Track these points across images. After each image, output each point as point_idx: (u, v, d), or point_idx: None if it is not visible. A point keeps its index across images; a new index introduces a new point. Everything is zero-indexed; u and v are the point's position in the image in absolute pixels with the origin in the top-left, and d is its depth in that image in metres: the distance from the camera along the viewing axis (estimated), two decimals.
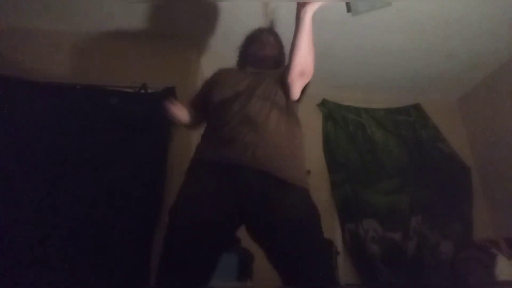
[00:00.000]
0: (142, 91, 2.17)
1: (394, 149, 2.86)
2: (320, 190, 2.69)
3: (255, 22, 1.80)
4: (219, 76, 1.44)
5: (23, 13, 2.23)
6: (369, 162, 2.78)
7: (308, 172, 2.66)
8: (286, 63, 1.33)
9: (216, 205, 1.08)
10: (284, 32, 1.48)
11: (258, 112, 1.18)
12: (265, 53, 1.42)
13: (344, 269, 2.42)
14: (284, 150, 1.16)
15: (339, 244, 2.50)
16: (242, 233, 1.23)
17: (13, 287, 1.61)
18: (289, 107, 1.24)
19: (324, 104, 2.99)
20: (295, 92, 1.20)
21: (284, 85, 1.21)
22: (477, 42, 2.44)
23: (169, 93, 2.13)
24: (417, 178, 2.72)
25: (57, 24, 2.31)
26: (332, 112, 2.95)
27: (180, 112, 1.40)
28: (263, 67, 1.40)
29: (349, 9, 2.13)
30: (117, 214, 1.81)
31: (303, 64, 1.15)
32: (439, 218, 2.57)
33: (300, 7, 1.08)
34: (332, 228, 2.59)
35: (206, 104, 1.37)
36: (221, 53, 2.49)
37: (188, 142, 2.26)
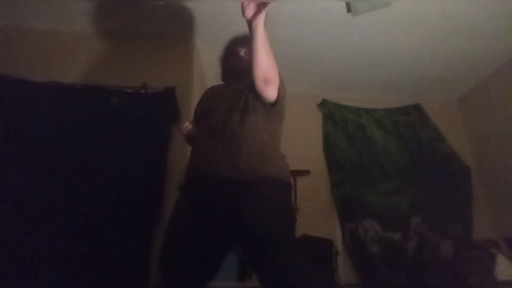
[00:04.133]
0: (142, 91, 2.17)
1: (394, 149, 2.86)
2: (320, 190, 2.70)
3: None
4: (205, 94, 1.52)
5: (23, 13, 2.23)
6: (369, 162, 2.78)
7: (308, 172, 2.68)
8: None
9: (199, 222, 1.13)
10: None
11: (227, 123, 1.24)
12: (242, 65, 1.42)
13: (344, 269, 2.43)
14: (256, 155, 1.20)
15: (339, 244, 2.50)
16: None
17: (13, 287, 1.62)
18: (262, 112, 1.27)
19: (324, 104, 2.99)
20: (268, 98, 1.23)
21: (253, 91, 1.25)
22: (477, 42, 2.44)
23: (169, 93, 2.13)
24: (417, 178, 2.73)
25: (57, 24, 2.31)
26: (332, 112, 2.95)
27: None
28: (243, 79, 1.39)
29: (349, 9, 2.14)
30: (117, 214, 1.81)
31: (264, 72, 1.17)
32: (439, 218, 2.57)
33: (251, 20, 1.10)
34: (332, 228, 2.59)
35: None
36: (221, 53, 2.49)
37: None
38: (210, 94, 1.48)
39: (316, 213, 2.60)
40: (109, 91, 2.15)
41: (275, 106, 1.26)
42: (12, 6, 2.18)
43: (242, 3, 1.07)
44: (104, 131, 1.99)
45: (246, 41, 1.42)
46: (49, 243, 1.71)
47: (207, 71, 2.66)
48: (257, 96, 1.23)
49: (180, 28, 2.34)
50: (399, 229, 2.53)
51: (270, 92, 1.21)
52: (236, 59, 1.45)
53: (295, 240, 1.16)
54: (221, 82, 1.53)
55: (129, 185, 1.89)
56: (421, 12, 2.17)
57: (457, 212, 2.62)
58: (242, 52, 1.46)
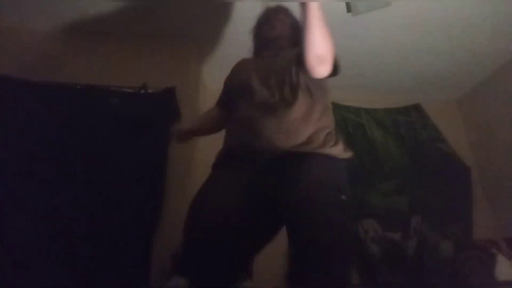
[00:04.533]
0: (142, 91, 2.17)
1: (394, 149, 2.86)
2: None
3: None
4: (238, 67, 1.43)
5: (23, 13, 2.22)
6: (369, 163, 2.78)
7: None
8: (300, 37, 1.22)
9: (237, 199, 1.09)
10: None
11: (272, 98, 1.18)
12: (276, 33, 1.37)
13: None
14: (301, 130, 1.13)
15: None
16: None
17: (14, 287, 1.61)
18: (308, 84, 1.21)
19: None
20: (320, 76, 1.17)
21: (302, 67, 1.17)
22: (477, 42, 2.44)
23: (169, 93, 2.13)
24: (417, 179, 2.72)
25: (57, 24, 2.31)
26: (332, 112, 2.95)
27: (197, 131, 1.43)
28: (278, 48, 1.35)
29: (349, 9, 2.13)
30: (117, 214, 1.81)
31: (318, 49, 1.10)
32: (439, 218, 2.57)
33: (304, 4, 1.05)
34: None
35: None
36: (221, 53, 2.49)
37: (188, 142, 2.25)
38: (247, 67, 1.37)
39: None
40: (109, 91, 2.14)
41: (328, 78, 1.21)
42: (10, 6, 2.18)
43: None
44: (104, 131, 1.99)
45: (280, 9, 1.41)
46: (48, 243, 1.71)
47: (207, 71, 2.66)
48: (306, 72, 1.15)
49: (180, 28, 2.34)
50: (399, 229, 2.53)
51: (322, 72, 1.15)
52: (270, 27, 1.39)
53: (344, 223, 1.00)
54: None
55: (128, 185, 1.88)
56: (421, 12, 2.17)
57: (457, 212, 2.62)
58: (276, 19, 1.39)
